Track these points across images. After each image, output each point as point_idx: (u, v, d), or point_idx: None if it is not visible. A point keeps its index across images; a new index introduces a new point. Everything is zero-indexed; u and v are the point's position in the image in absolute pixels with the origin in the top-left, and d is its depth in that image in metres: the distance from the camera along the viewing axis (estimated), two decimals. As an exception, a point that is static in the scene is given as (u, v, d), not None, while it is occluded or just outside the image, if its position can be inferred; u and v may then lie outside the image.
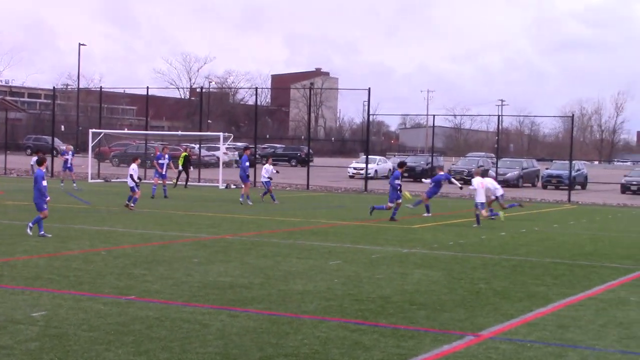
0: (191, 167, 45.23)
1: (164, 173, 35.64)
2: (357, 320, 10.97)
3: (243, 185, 34.57)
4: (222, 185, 45.24)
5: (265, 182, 34.87)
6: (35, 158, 38.00)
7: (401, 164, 28.70)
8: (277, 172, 37.62)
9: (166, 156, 36.13)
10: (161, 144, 50.47)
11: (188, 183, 44.21)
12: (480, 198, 26.52)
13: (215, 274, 14.55)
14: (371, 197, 41.99)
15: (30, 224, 19.34)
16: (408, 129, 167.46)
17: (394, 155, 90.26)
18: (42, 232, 19.21)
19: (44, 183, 19.26)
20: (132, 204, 28.17)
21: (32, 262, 15.35)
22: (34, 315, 10.57)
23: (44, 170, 19.71)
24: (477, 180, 27.01)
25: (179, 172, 43.99)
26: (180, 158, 44.44)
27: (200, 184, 47.98)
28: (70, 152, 41.14)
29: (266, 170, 35.11)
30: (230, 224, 24.44)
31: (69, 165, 40.53)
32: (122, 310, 11.11)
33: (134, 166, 29.47)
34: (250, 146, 48.23)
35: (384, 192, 45.99)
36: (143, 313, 10.94)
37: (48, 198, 19.40)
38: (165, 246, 18.44)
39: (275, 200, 34.23)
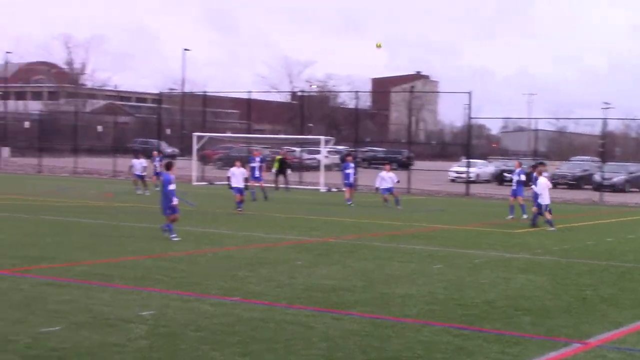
0: (289, 170, 45.42)
1: (257, 176, 35.88)
2: (461, 325, 10.85)
3: (346, 190, 34.93)
4: (323, 189, 45.45)
5: (384, 189, 33.56)
6: (135, 160, 38.55)
7: (539, 165, 26.92)
8: (398, 181, 34.79)
9: (257, 159, 36.44)
10: (255, 147, 50.96)
11: (287, 186, 44.49)
12: (546, 199, 25.40)
13: (318, 276, 14.63)
14: (472, 202, 41.54)
15: (172, 236, 19.29)
16: (510, 132, 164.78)
17: (496, 159, 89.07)
18: (172, 234, 19.33)
19: (171, 187, 19.44)
20: (239, 207, 28.34)
21: (140, 262, 15.73)
22: (144, 315, 10.82)
23: (172, 175, 19.80)
24: (542, 181, 25.77)
25: (277, 175, 44.37)
26: (276, 162, 44.80)
27: (301, 187, 48.32)
28: (158, 158, 41.57)
29: (382, 178, 33.52)
30: (332, 227, 24.52)
31: (158, 171, 40.90)
32: (228, 311, 11.28)
33: (233, 169, 29.38)
34: (352, 150, 48.33)
35: (485, 196, 45.46)
36: (248, 314, 11.08)
37: (175, 202, 19.54)
38: (268, 248, 18.64)
39: (399, 205, 32.89)
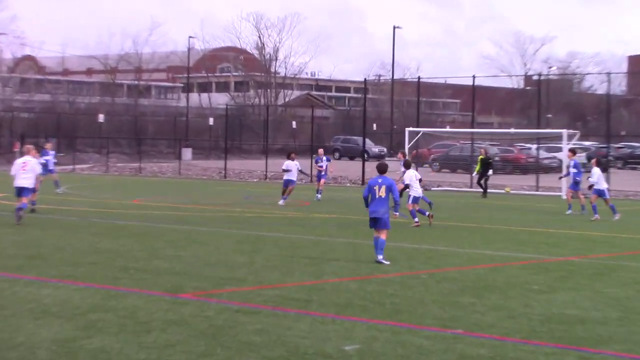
0: (490, 172, 44.76)
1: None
2: None
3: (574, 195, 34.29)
4: (565, 195, 44.54)
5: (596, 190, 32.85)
6: (289, 162, 36.32)
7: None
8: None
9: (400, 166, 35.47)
10: (481, 145, 50.48)
11: (485, 190, 43.89)
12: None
13: (561, 304, 14.34)
14: None
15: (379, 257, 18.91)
16: None
17: None
18: (380, 258, 18.85)
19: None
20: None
21: (342, 285, 15.96)
22: (347, 349, 10.96)
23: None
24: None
25: (479, 179, 44.18)
26: (478, 163, 44.54)
27: (538, 193, 47.60)
28: (324, 159, 40.94)
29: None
30: (578, 242, 24.00)
31: (323, 174, 40.14)
32: (448, 346, 11.25)
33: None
34: (603, 146, 47.07)
35: None
36: (473, 351, 11.01)
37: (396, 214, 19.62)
38: (497, 269, 18.46)
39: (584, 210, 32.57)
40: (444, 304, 14.17)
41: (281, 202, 35.47)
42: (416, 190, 28.10)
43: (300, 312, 13.27)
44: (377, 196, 18.92)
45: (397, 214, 19.95)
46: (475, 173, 44.98)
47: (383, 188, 18.90)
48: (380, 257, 18.84)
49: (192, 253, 20.12)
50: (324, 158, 41.27)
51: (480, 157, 45.14)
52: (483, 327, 12.51)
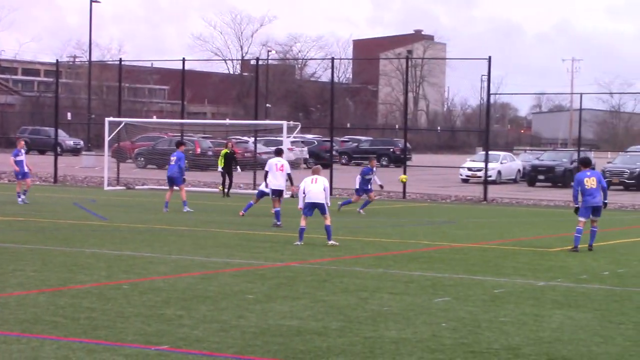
0: (237, 168, 45.47)
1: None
2: (474, 381, 10.93)
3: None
4: (286, 194, 45.47)
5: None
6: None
7: (585, 162, 25.23)
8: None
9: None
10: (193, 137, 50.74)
11: (231, 190, 44.55)
12: None
13: (278, 315, 14.67)
14: (492, 209, 41.71)
15: None
16: (544, 113, 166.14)
17: (525, 151, 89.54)
18: None
19: None
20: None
21: (29, 299, 15.68)
22: (33, 371, 10.82)
23: None
24: None
25: (223, 176, 44.60)
26: (220, 157, 44.91)
27: (255, 191, 48.28)
28: (22, 151, 38.15)
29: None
30: (296, 246, 24.52)
31: (25, 170, 37.01)
32: (151, 364, 11.30)
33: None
34: (325, 140, 48.39)
35: (509, 202, 45.67)
36: (179, 369, 11.11)
37: None
38: (209, 277, 18.64)
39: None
40: (148, 318, 14.20)
41: None
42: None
43: (-22, 331, 12.97)
44: None
45: None
46: (220, 169, 44.90)
47: None
48: None
49: None
50: (22, 151, 38.09)
51: (225, 151, 45.24)
52: (191, 342, 12.63)
